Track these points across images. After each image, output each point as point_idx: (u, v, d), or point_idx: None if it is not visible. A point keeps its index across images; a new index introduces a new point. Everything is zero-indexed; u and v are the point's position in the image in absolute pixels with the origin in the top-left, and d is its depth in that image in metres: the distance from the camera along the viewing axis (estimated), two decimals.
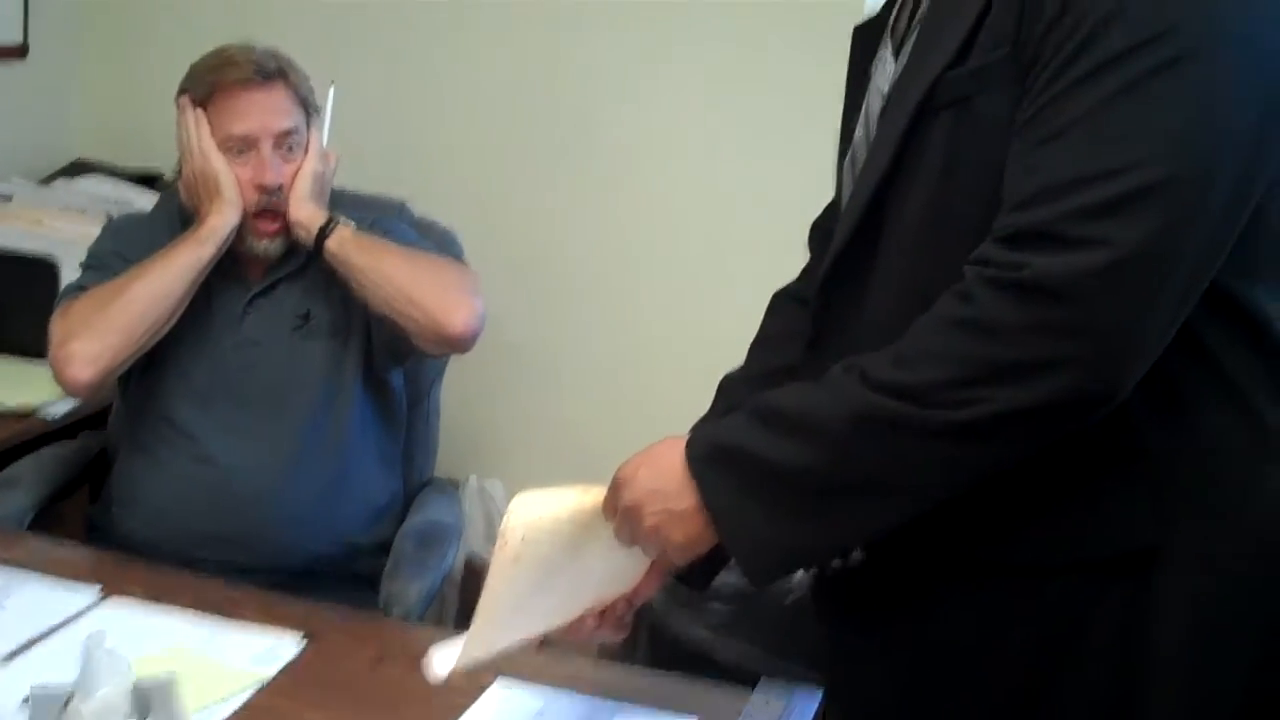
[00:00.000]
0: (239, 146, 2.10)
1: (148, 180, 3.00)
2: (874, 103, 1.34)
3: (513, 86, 3.06)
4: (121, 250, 2.14)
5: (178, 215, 2.17)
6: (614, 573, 1.38)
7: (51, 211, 2.76)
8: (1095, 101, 1.11)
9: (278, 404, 2.13)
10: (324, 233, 2.08)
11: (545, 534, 1.30)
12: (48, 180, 2.98)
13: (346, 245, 2.07)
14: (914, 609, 1.34)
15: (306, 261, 2.17)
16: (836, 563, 1.34)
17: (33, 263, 2.55)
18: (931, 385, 1.15)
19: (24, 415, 2.41)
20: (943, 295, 1.18)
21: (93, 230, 2.28)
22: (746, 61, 2.84)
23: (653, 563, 1.35)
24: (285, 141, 2.12)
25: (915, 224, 1.26)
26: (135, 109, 3.15)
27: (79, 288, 2.09)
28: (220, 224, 2.05)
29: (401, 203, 2.42)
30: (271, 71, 2.12)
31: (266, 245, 2.13)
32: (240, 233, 2.11)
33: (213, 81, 2.10)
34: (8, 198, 2.83)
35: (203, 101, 2.10)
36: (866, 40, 1.39)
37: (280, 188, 2.10)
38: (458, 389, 2.59)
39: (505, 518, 1.29)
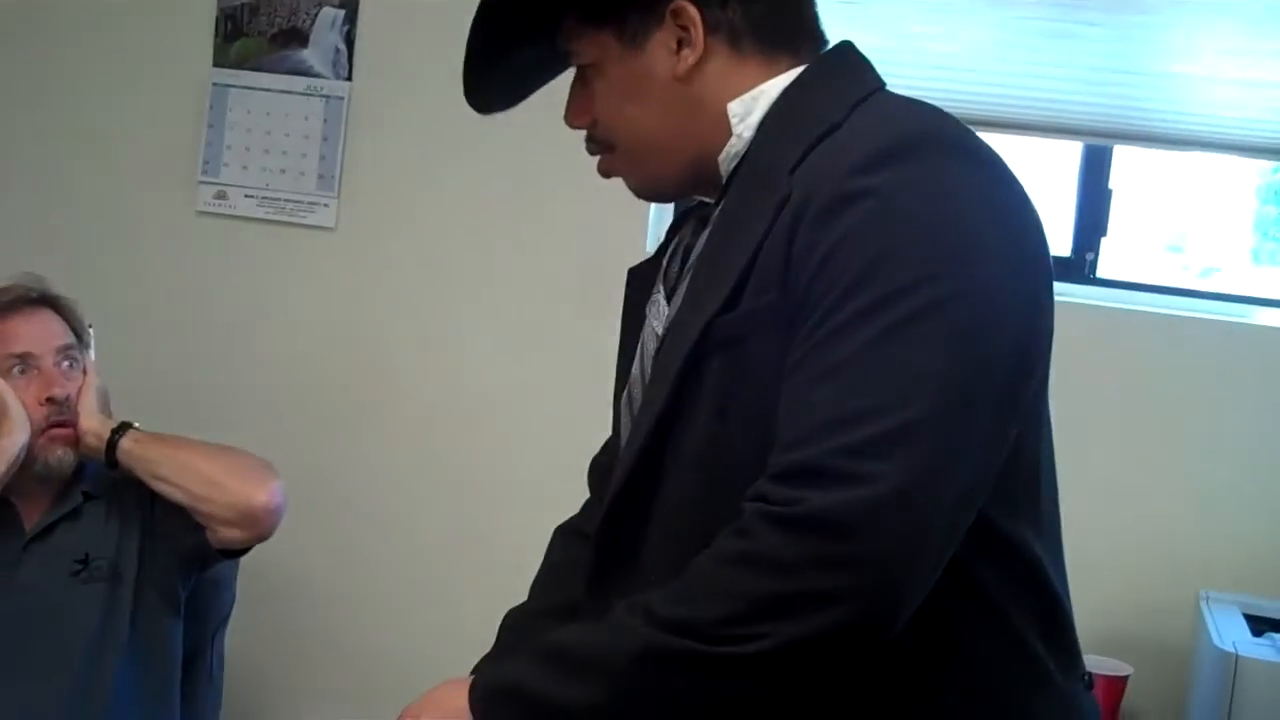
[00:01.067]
0: (20, 366, 2.10)
1: None
2: (649, 343, 1.39)
3: (293, 322, 3.03)
4: None
5: None
6: None
7: None
8: (859, 344, 1.15)
9: (47, 660, 2.02)
10: (115, 436, 2.08)
11: None
12: None
13: (141, 442, 2.08)
14: None
15: (81, 503, 2.11)
16: None
17: None
18: (714, 620, 1.15)
19: None
20: (722, 531, 1.19)
21: None
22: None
23: None
24: (66, 355, 2.14)
25: (693, 463, 1.29)
26: None
27: None
28: (9, 445, 2.02)
29: None
30: (36, 298, 2.16)
31: (60, 457, 2.09)
32: (30, 456, 2.07)
33: None
34: None
35: None
36: (641, 282, 1.46)
37: (69, 398, 2.10)
38: (244, 636, 2.54)
39: None
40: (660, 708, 1.17)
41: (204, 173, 3.01)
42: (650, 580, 1.24)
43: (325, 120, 2.95)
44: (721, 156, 1.35)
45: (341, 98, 2.94)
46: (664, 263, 1.44)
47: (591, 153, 1.43)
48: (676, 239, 1.45)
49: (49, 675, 2.03)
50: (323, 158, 2.96)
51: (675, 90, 1.35)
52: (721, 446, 1.25)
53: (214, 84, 2.98)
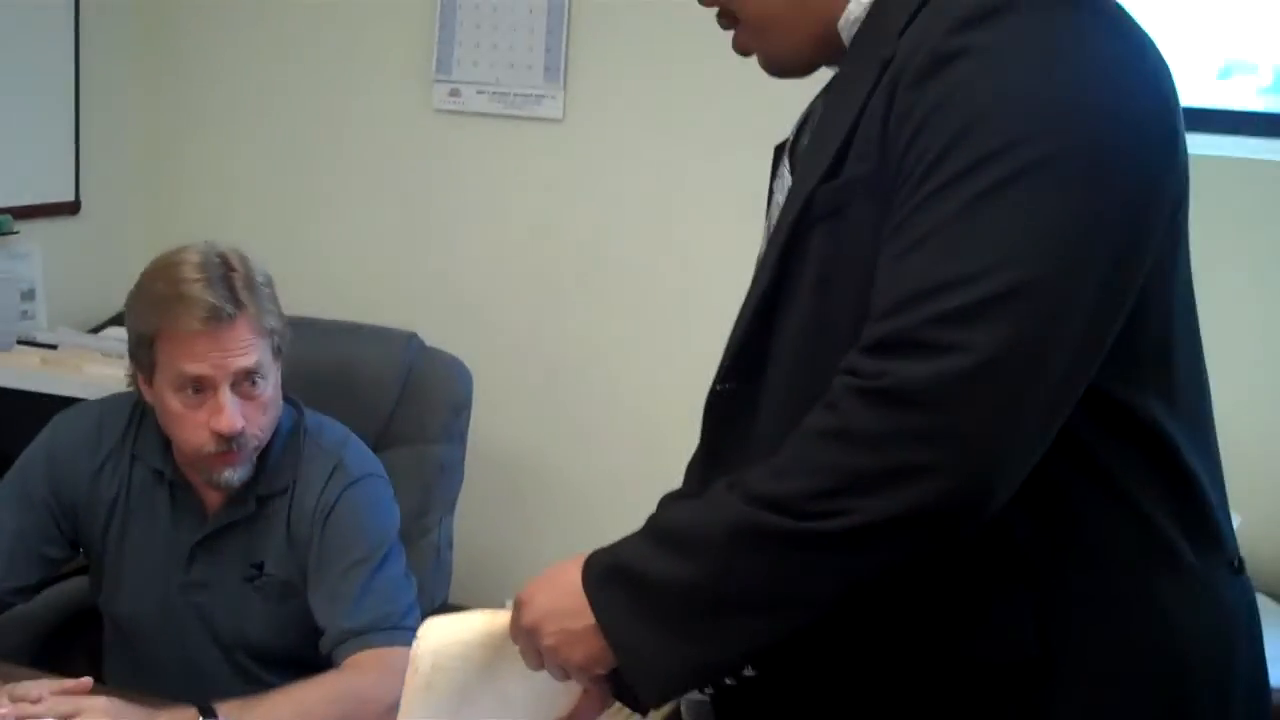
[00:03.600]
0: (194, 387, 1.90)
1: None
2: (774, 217, 1.36)
3: (523, 209, 3.06)
4: (58, 488, 2.04)
5: (128, 419, 2.07)
6: (539, 697, 1.34)
7: (93, 357, 2.81)
8: (954, 209, 1.10)
9: (219, 652, 2.04)
10: None
11: (456, 659, 1.31)
12: (97, 330, 3.02)
13: None
14: None
15: (255, 509, 2.02)
16: (730, 680, 1.28)
17: (65, 403, 2.56)
18: (802, 496, 1.13)
19: None
20: (815, 406, 1.16)
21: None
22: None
23: (591, 686, 1.31)
24: (248, 376, 1.92)
25: (796, 336, 1.26)
26: None
27: None
28: None
29: (412, 334, 2.38)
30: (228, 315, 1.89)
31: (228, 477, 1.95)
32: (195, 467, 1.97)
33: (157, 325, 1.90)
34: (54, 346, 2.89)
35: (152, 336, 1.91)
36: (779, 157, 1.42)
37: (241, 432, 1.91)
38: (473, 518, 2.57)
39: (414, 644, 1.32)
40: (754, 584, 1.15)
41: (438, 71, 3.08)
42: (760, 456, 1.21)
43: (549, 12, 2.97)
44: (841, 23, 1.30)
45: None
46: (792, 135, 1.40)
47: (723, 28, 1.39)
48: (807, 110, 1.41)
49: (211, 668, 2.03)
50: (548, 50, 2.98)
51: None
52: (824, 319, 1.22)
53: None
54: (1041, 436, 1.11)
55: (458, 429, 2.40)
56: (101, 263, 3.22)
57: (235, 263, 1.94)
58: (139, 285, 1.96)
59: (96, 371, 2.70)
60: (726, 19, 1.38)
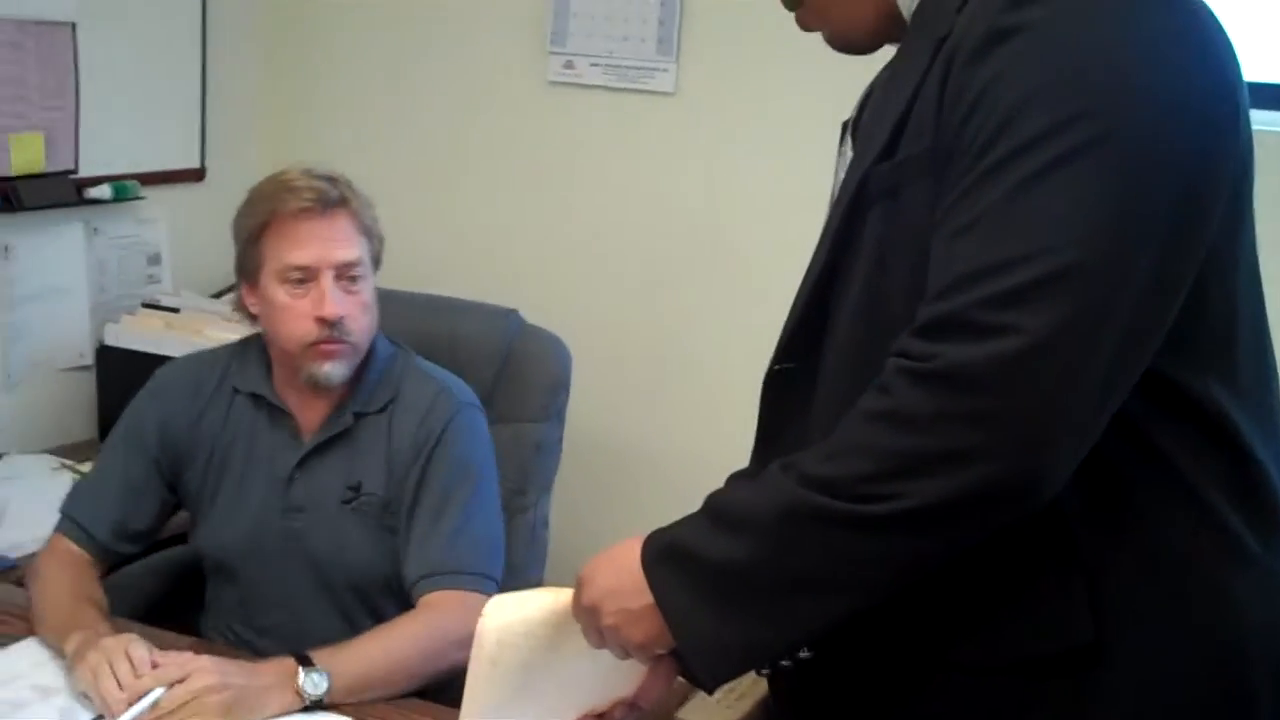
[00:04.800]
0: (299, 277, 2.00)
1: None
2: (836, 195, 1.36)
3: (633, 183, 3.06)
4: (164, 431, 2.10)
5: (228, 357, 2.15)
6: (604, 675, 1.36)
7: (213, 320, 2.88)
8: (1007, 189, 1.09)
9: (316, 579, 2.08)
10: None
11: (520, 636, 1.33)
12: (219, 294, 3.09)
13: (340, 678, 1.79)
14: (863, 707, 1.32)
15: (353, 424, 2.07)
16: (785, 661, 1.28)
17: None
18: (853, 478, 1.13)
19: None
20: (868, 388, 1.16)
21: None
22: None
23: (655, 665, 1.32)
24: (348, 271, 2.02)
25: (852, 315, 1.26)
26: None
27: (67, 515, 2.08)
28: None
29: (512, 310, 2.39)
30: (333, 200, 2.02)
31: (328, 371, 2.01)
32: (298, 364, 2.02)
33: (271, 210, 2.01)
34: (176, 310, 2.98)
35: (259, 230, 2.02)
36: (843, 134, 1.42)
37: (341, 320, 1.99)
38: (570, 498, 2.57)
39: (480, 622, 1.33)
40: (808, 566, 1.15)
41: (552, 43, 3.09)
42: (816, 436, 1.21)
43: None
44: (903, 0, 1.28)
45: None
46: (855, 112, 1.39)
47: (787, 8, 1.39)
48: (870, 86, 1.40)
49: (308, 594, 2.06)
50: (661, 23, 2.98)
51: None
52: (880, 299, 1.22)
53: None
54: (1095, 420, 1.10)
55: (556, 408, 2.39)
56: (224, 229, 3.23)
57: (338, 174, 2.07)
58: (248, 195, 2.08)
59: (217, 334, 2.76)
60: None
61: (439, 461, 2.04)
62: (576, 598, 1.30)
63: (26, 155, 2.79)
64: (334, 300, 1.99)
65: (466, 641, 1.38)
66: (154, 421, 2.10)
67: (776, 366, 1.34)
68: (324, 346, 2.00)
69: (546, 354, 2.37)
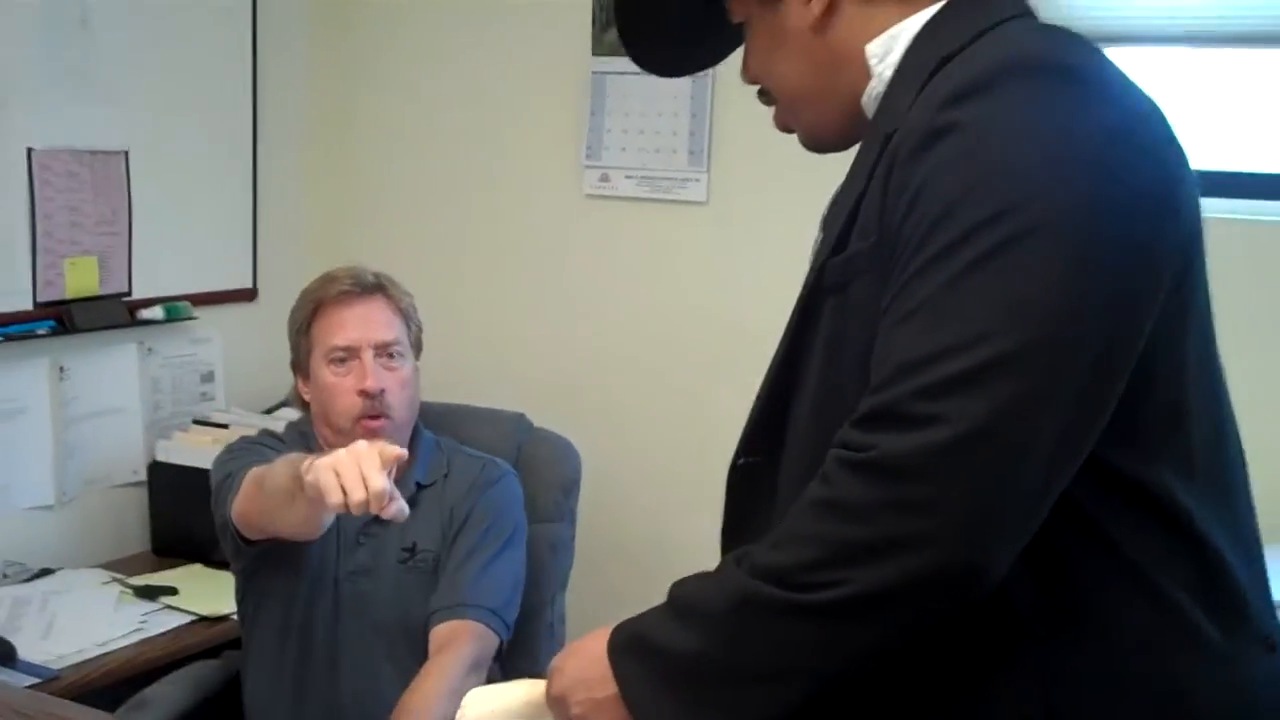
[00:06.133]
0: (341, 356, 2.22)
1: None
2: None
3: (667, 291, 3.12)
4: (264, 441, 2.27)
5: (293, 431, 2.33)
6: None
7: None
8: (941, 282, 1.11)
9: (376, 639, 2.18)
10: None
11: None
12: (270, 410, 3.17)
13: None
14: None
15: (415, 492, 2.22)
16: None
17: None
18: (797, 567, 1.14)
19: (215, 620, 2.59)
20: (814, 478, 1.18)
21: None
22: None
23: None
24: (386, 350, 2.24)
25: (810, 409, 1.28)
26: None
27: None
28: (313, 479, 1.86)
29: (520, 414, 2.48)
30: (370, 285, 2.27)
31: None
32: (347, 440, 2.06)
33: (316, 299, 2.26)
34: (225, 426, 3.05)
35: (308, 320, 2.25)
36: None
37: (383, 392, 2.20)
38: (585, 595, 2.62)
39: (459, 713, 1.39)
40: (759, 654, 1.17)
41: (588, 157, 3.17)
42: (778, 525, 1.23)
43: (693, 97, 3.03)
44: (865, 99, 1.32)
45: (707, 73, 3.00)
46: (827, 207, 1.42)
47: (764, 104, 1.44)
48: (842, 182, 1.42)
49: (373, 656, 2.18)
50: (692, 134, 3.04)
51: (812, 41, 1.34)
52: (834, 392, 1.24)
53: (593, 72, 3.12)
54: (1033, 508, 1.11)
55: (568, 507, 2.46)
56: (277, 347, 3.33)
57: (377, 270, 2.34)
58: (300, 295, 2.33)
59: None
60: (766, 96, 1.42)
61: (480, 513, 2.24)
62: (548, 688, 1.32)
63: (81, 279, 2.91)
64: (375, 374, 2.21)
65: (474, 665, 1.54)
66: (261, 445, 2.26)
67: (740, 460, 1.36)
68: (368, 423, 2.20)
69: (556, 456, 2.46)
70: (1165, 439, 1.19)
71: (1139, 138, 1.17)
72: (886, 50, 1.29)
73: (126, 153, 2.99)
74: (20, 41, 2.78)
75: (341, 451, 1.77)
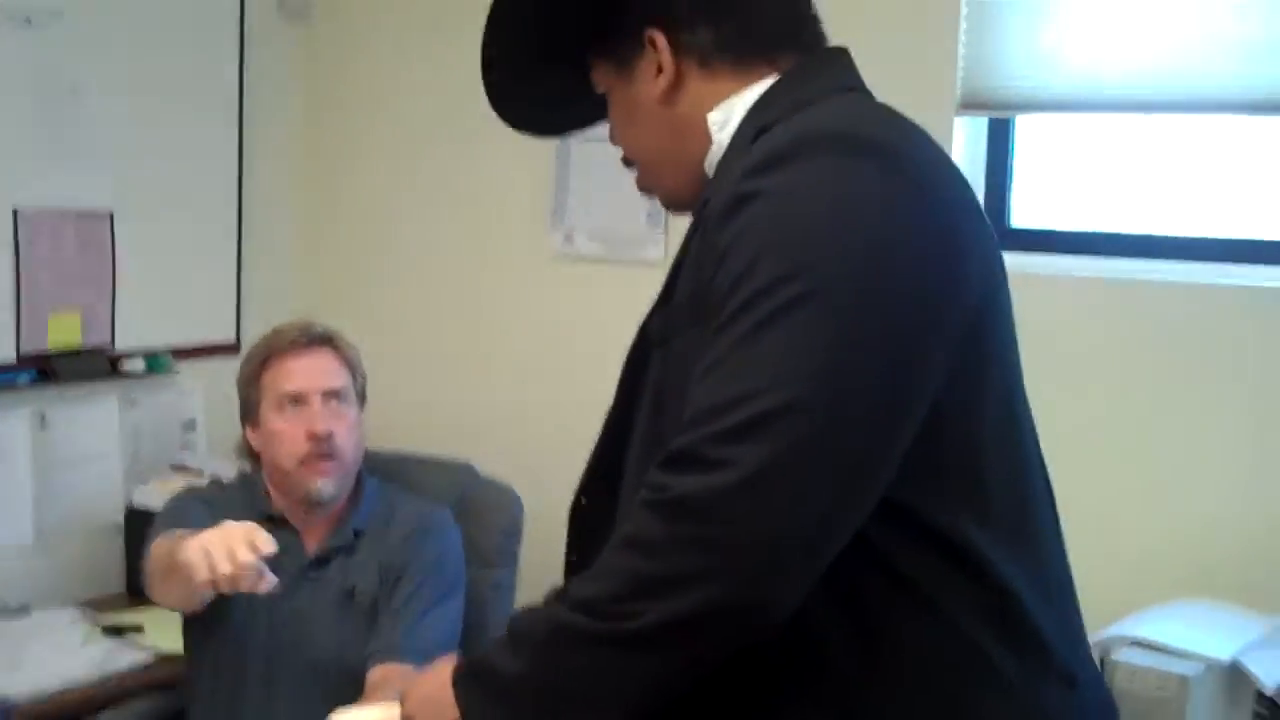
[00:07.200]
0: (291, 402, 2.33)
1: None
2: None
3: (586, 353, 3.14)
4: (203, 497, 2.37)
5: (237, 484, 2.42)
6: None
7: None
8: (736, 338, 1.20)
9: (312, 678, 2.25)
10: None
11: None
12: None
13: None
14: None
15: (354, 540, 2.32)
16: None
17: None
18: (604, 599, 1.22)
19: (177, 657, 2.60)
20: None
21: None
22: None
23: None
24: (334, 395, 2.34)
25: (639, 454, 1.36)
26: None
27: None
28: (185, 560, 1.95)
29: (466, 463, 2.57)
30: (318, 336, 2.38)
31: (320, 486, 2.31)
32: (295, 482, 2.30)
33: (267, 350, 2.37)
34: (200, 471, 3.15)
35: (259, 370, 2.35)
36: None
37: (331, 435, 2.30)
38: None
39: None
40: (572, 680, 1.24)
41: (554, 217, 3.30)
42: None
43: None
44: (706, 163, 1.42)
45: None
46: None
47: (626, 166, 1.53)
48: None
49: (311, 696, 2.22)
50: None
51: (661, 112, 1.44)
52: (658, 440, 1.29)
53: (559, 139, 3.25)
54: (816, 547, 1.18)
55: (510, 552, 2.55)
56: None
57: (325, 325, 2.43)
58: (247, 352, 2.42)
59: None
60: (628, 160, 1.52)
61: (419, 559, 2.31)
62: (402, 710, 1.40)
63: (64, 333, 3.05)
64: (324, 418, 2.30)
65: None
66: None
67: (580, 499, 1.45)
68: (317, 464, 2.29)
69: (498, 503, 2.54)
70: (961, 485, 1.27)
71: (927, 205, 1.25)
72: (725, 119, 1.39)
73: (112, 213, 3.14)
74: (10, 106, 2.93)
75: (211, 531, 1.88)
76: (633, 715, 1.25)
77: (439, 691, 1.34)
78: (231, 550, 1.85)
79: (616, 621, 1.20)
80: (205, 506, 2.37)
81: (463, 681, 1.33)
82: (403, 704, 1.40)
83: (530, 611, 1.33)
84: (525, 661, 1.27)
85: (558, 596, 1.28)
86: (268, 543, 1.90)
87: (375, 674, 2.21)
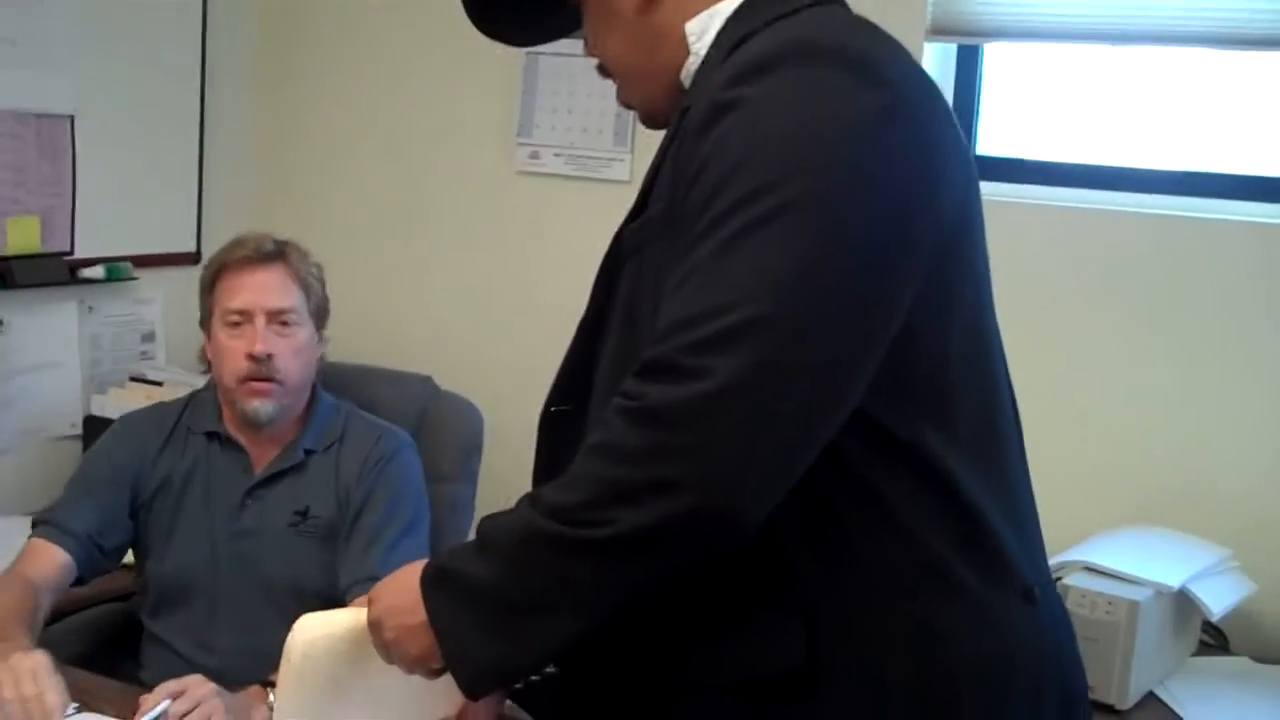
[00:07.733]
0: (236, 320, 2.28)
1: None
2: None
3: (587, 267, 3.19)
4: (125, 464, 2.31)
5: (184, 403, 2.38)
6: (417, 694, 1.43)
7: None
8: (713, 248, 1.20)
9: (261, 601, 2.23)
10: None
11: (324, 651, 1.44)
12: (207, 371, 3.26)
13: None
14: None
15: (304, 459, 2.29)
16: (535, 677, 1.40)
17: None
18: (576, 505, 1.22)
19: None
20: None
21: None
22: None
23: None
24: (279, 317, 2.28)
25: (610, 364, 1.37)
26: None
27: (43, 521, 2.25)
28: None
29: (427, 377, 2.54)
30: (269, 253, 2.31)
31: (257, 408, 2.26)
32: (234, 400, 2.26)
33: (220, 262, 2.32)
34: (160, 383, 3.14)
35: (212, 281, 2.32)
36: None
37: (270, 357, 2.25)
38: None
39: (289, 636, 1.45)
40: (542, 586, 1.25)
41: (520, 134, 3.28)
42: None
43: None
44: (682, 75, 1.41)
45: None
46: None
47: (602, 77, 1.52)
48: None
49: (261, 615, 2.21)
50: (618, 115, 3.14)
51: (638, 22, 1.43)
52: (631, 350, 1.30)
53: (526, 53, 3.22)
54: (791, 459, 1.19)
55: (469, 469, 2.55)
56: None
57: (285, 238, 2.37)
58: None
59: None
60: (604, 71, 1.51)
61: (382, 489, 2.27)
62: (368, 614, 1.40)
63: (22, 237, 3.01)
64: (264, 339, 2.25)
65: None
66: (122, 458, 2.32)
67: (551, 408, 1.45)
68: (254, 384, 2.25)
69: (459, 418, 2.52)
70: (932, 404, 1.29)
71: (905, 119, 1.25)
72: (704, 29, 1.39)
73: (72, 117, 3.09)
74: None
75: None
76: (601, 621, 1.26)
77: (407, 595, 1.34)
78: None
79: (589, 528, 1.21)
80: (155, 432, 2.35)
81: (431, 585, 1.33)
82: (370, 606, 1.40)
83: (501, 516, 1.33)
84: (495, 566, 1.28)
85: (530, 502, 1.28)
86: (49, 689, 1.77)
87: (360, 603, 2.18)
